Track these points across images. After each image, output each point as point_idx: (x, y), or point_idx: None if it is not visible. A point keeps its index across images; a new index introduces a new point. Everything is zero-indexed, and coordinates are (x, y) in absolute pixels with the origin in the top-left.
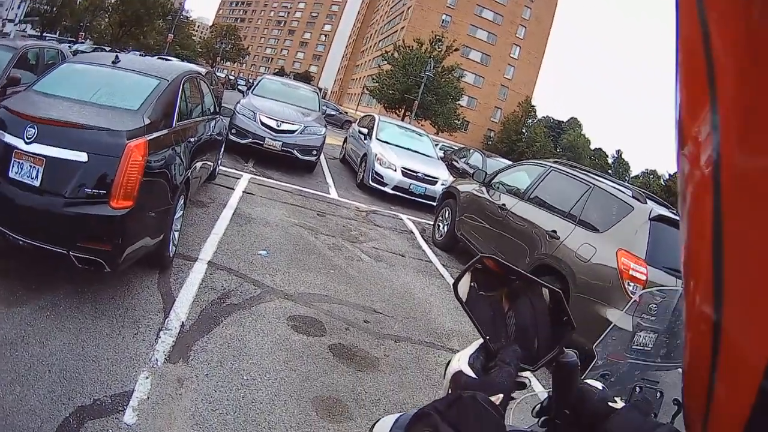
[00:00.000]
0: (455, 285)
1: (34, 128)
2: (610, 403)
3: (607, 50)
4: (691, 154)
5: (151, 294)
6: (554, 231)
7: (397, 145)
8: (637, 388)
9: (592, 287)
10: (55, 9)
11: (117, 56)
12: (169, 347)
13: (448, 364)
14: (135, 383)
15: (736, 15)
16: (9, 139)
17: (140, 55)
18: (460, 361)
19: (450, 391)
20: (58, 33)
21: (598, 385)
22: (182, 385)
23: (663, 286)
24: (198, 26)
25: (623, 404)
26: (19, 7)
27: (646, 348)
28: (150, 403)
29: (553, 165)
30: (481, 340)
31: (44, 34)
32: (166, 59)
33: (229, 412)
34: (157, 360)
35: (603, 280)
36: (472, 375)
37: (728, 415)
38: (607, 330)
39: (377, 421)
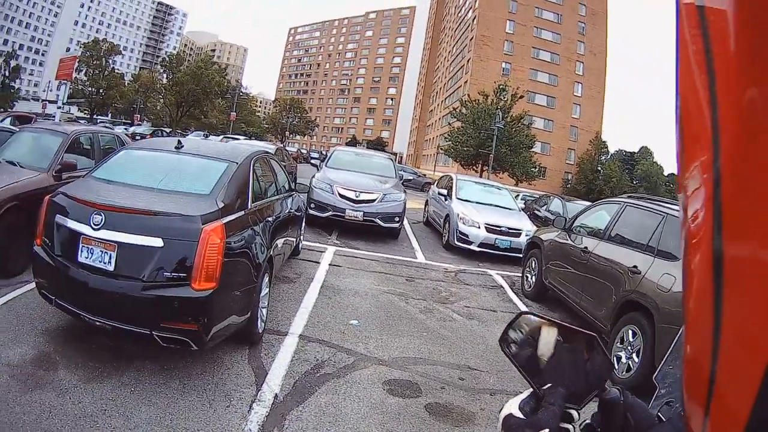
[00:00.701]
0: (501, 341)
1: (100, 215)
2: (658, 414)
3: (662, 71)
4: (691, 156)
5: (242, 369)
6: (635, 266)
7: (477, 202)
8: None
9: (676, 316)
10: (102, 91)
11: (179, 141)
12: (262, 418)
13: (500, 410)
14: None
15: (739, 30)
16: (73, 225)
17: (204, 136)
18: (511, 406)
19: None
20: (110, 115)
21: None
22: None
23: None
24: (260, 102)
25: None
26: (58, 88)
27: None
28: None
29: (627, 200)
30: (529, 390)
31: (95, 116)
32: (233, 138)
33: None
34: (250, 430)
35: None
36: (521, 416)
37: (728, 415)
38: (665, 357)
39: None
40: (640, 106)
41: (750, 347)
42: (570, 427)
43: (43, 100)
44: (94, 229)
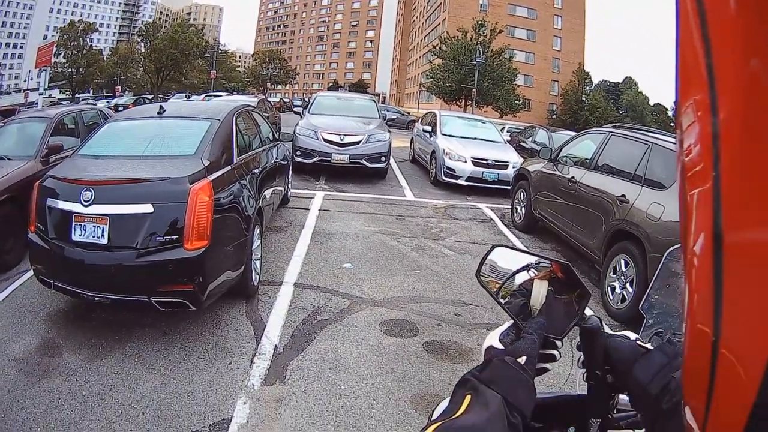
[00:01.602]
0: (477, 274)
1: (90, 191)
2: (640, 344)
3: (646, 2)
4: (691, 152)
5: (241, 324)
6: (623, 195)
7: (462, 137)
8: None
9: (666, 245)
10: (81, 69)
11: (161, 106)
12: (264, 371)
13: (483, 342)
14: (233, 410)
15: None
16: (64, 205)
17: (186, 97)
18: (492, 338)
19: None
20: (91, 91)
21: (631, 335)
22: (281, 405)
23: None
24: (239, 57)
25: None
26: (38, 76)
27: None
28: (250, 426)
29: (612, 130)
30: (510, 321)
31: (77, 95)
32: (215, 95)
33: (330, 423)
34: (253, 385)
35: (675, 236)
36: (500, 347)
37: (728, 415)
38: (650, 286)
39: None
40: (623, 37)
41: (750, 344)
42: (555, 353)
43: (24, 90)
44: (84, 206)
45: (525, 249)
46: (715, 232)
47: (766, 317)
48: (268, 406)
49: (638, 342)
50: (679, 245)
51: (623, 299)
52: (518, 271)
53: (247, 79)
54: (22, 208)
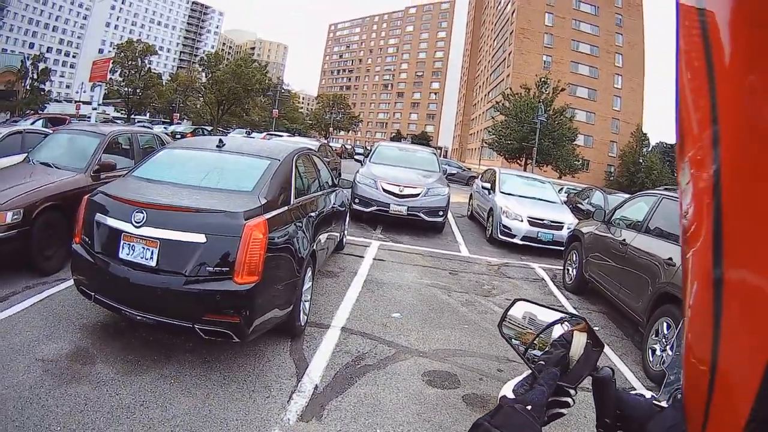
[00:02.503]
0: (499, 325)
1: (142, 213)
2: (656, 403)
3: None
4: (693, 168)
5: (283, 361)
6: (670, 258)
7: (520, 196)
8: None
9: None
10: (138, 91)
11: (221, 140)
12: (302, 407)
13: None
14: None
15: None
16: (114, 223)
17: (246, 133)
18: (506, 388)
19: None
20: (148, 115)
21: (647, 393)
22: None
23: None
24: (302, 98)
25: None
26: (92, 89)
27: None
28: None
29: (663, 192)
30: (528, 372)
31: (132, 116)
32: (276, 135)
33: None
34: (289, 419)
35: None
36: (512, 396)
37: (728, 414)
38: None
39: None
40: None
41: (750, 347)
42: (569, 400)
43: (76, 102)
44: (135, 227)
45: (545, 305)
46: (715, 277)
47: (764, 320)
48: None
49: (653, 400)
50: None
51: (663, 362)
52: (553, 324)
53: (310, 122)
54: (67, 218)
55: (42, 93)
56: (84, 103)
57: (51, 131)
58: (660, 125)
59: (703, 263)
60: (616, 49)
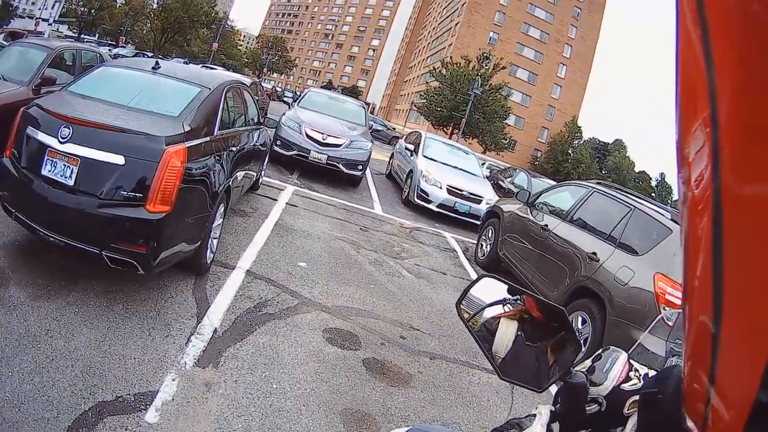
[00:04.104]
0: (457, 304)
1: (69, 128)
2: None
3: (652, 71)
4: (691, 168)
5: (186, 299)
6: (594, 253)
7: (443, 163)
8: None
9: (628, 311)
10: (93, 11)
11: (157, 62)
12: (199, 351)
13: (527, 417)
14: (161, 384)
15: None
16: (42, 137)
17: (184, 62)
18: (542, 428)
19: None
20: (97, 36)
21: None
22: (209, 390)
23: None
24: (244, 37)
25: None
26: (53, 7)
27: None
28: (174, 405)
29: (596, 186)
30: (547, 414)
31: (82, 35)
32: (211, 68)
33: (255, 419)
34: (185, 363)
35: (639, 304)
36: None
37: (727, 416)
38: (631, 350)
39: None
40: (621, 101)
41: (751, 344)
42: (534, 412)
43: (36, 18)
44: (60, 143)
45: (514, 285)
46: (715, 277)
47: (765, 316)
48: (196, 389)
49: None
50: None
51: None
52: (492, 305)
53: (246, 60)
54: (2, 131)
55: (10, 9)
56: (43, 20)
57: (7, 44)
58: (596, 122)
59: (702, 262)
60: (567, 39)
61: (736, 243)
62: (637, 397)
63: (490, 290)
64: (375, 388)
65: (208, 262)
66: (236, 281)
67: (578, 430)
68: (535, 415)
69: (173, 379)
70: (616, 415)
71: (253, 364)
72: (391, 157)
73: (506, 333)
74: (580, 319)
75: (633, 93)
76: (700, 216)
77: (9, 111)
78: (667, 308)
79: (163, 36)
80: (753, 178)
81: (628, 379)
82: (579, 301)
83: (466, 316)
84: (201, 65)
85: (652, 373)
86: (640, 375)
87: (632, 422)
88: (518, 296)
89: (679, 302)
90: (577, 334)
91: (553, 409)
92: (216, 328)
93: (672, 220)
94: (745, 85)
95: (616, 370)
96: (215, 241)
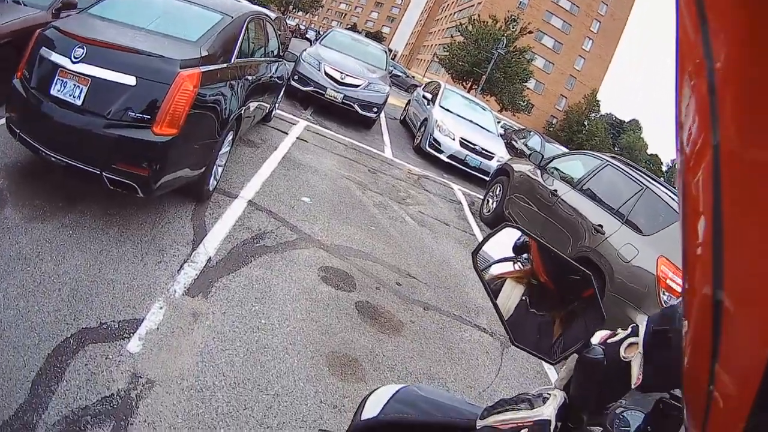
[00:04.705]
0: (474, 254)
1: (82, 48)
2: None
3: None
4: (689, 148)
5: (183, 225)
6: (600, 225)
7: (458, 115)
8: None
9: (627, 289)
10: None
11: None
12: (190, 280)
13: (535, 396)
14: (147, 312)
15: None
16: (55, 57)
17: None
18: (554, 410)
19: None
20: None
21: None
22: (196, 320)
23: None
24: None
25: None
26: None
27: None
28: (158, 334)
29: (610, 159)
30: (561, 399)
31: None
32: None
33: (239, 354)
34: (175, 291)
35: (640, 284)
36: None
37: (728, 415)
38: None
39: (373, 391)
40: (643, 83)
41: (750, 346)
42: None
43: None
44: (73, 62)
45: (539, 238)
46: (715, 276)
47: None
48: (183, 318)
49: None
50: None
51: None
52: (500, 261)
53: None
54: (20, 55)
55: None
56: None
57: None
58: (615, 99)
59: (702, 261)
60: (597, 15)
61: (736, 208)
62: (632, 340)
63: (506, 243)
64: (365, 333)
65: (211, 189)
66: (237, 211)
67: (587, 418)
68: (542, 395)
69: (160, 308)
70: (615, 364)
71: (244, 297)
72: (408, 103)
73: (510, 295)
74: None
75: (656, 77)
76: (698, 181)
77: (28, 34)
78: (666, 293)
79: None
80: (753, 171)
81: (612, 336)
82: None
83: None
84: None
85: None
86: (618, 330)
87: (637, 363)
88: (528, 256)
89: (679, 289)
90: (601, 303)
91: (566, 396)
92: (210, 257)
93: None
94: (742, 42)
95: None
96: (220, 169)
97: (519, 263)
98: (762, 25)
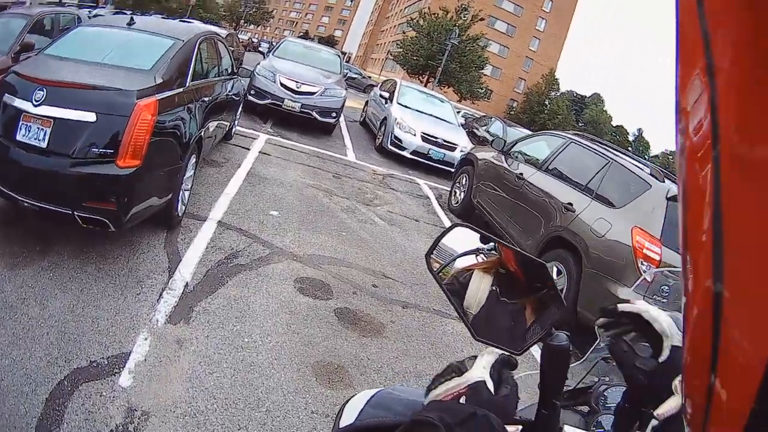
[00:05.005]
0: (427, 255)
1: (42, 90)
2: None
3: (634, 26)
4: (689, 138)
5: (157, 254)
6: (570, 204)
7: (417, 110)
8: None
9: (604, 263)
10: None
11: (132, 18)
12: (171, 308)
13: (468, 360)
14: (133, 344)
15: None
16: (18, 103)
17: (162, 18)
18: (485, 369)
19: (465, 399)
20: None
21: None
22: (181, 347)
23: (676, 266)
24: None
25: None
26: None
27: None
28: (147, 365)
29: (573, 137)
30: (494, 355)
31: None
32: (188, 22)
33: (227, 376)
34: (157, 321)
35: (616, 257)
36: (492, 391)
37: (728, 414)
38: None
39: (350, 399)
40: (601, 56)
41: (750, 346)
42: (513, 373)
43: None
44: (34, 106)
45: (490, 235)
46: (715, 276)
47: (757, 348)
48: (168, 347)
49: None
50: (661, 269)
51: None
52: (465, 254)
53: (223, 13)
54: None
55: None
56: None
57: None
58: (574, 76)
59: (702, 261)
60: None
61: (736, 207)
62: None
63: (464, 240)
64: (347, 339)
65: (180, 214)
66: (207, 233)
67: (559, 403)
68: (472, 359)
69: (145, 339)
70: (656, 392)
71: (225, 318)
72: (366, 104)
73: (479, 287)
74: (555, 269)
75: (613, 49)
76: (699, 166)
77: None
78: (644, 263)
79: None
80: (753, 170)
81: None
82: (554, 251)
83: (436, 267)
84: (179, 20)
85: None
86: None
87: (677, 400)
88: (493, 246)
89: (656, 257)
90: (559, 292)
91: (504, 354)
92: (187, 282)
93: (651, 175)
94: (746, 43)
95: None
96: (187, 193)
97: (482, 255)
98: (764, 25)
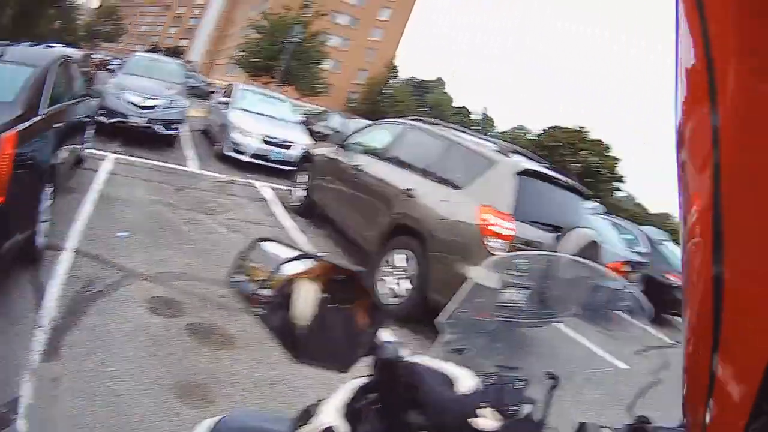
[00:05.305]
0: (230, 277)
1: None
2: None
3: (475, 7)
4: (690, 154)
5: (25, 290)
6: (409, 189)
7: (255, 113)
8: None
9: (450, 245)
10: None
11: (3, 51)
12: (43, 346)
13: (318, 403)
14: (20, 388)
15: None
16: None
17: (31, 45)
18: (337, 412)
19: None
20: None
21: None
22: (58, 385)
23: (533, 241)
24: (85, 11)
25: None
26: None
27: (517, 305)
28: (35, 408)
29: (410, 123)
30: (352, 386)
31: None
32: (52, 46)
33: (103, 408)
34: (34, 360)
35: (463, 237)
36: None
37: (729, 413)
38: (457, 300)
39: (196, 425)
40: (442, 41)
41: (750, 346)
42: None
43: None
44: None
45: (297, 247)
46: (715, 275)
47: (765, 318)
48: (46, 385)
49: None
50: (494, 258)
51: (395, 295)
52: (291, 260)
53: (83, 33)
54: None
55: None
56: None
57: None
58: (417, 62)
59: (702, 261)
60: None
61: (737, 238)
62: None
63: (267, 250)
64: (202, 355)
65: (41, 247)
66: (66, 262)
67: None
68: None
69: (27, 381)
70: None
71: (90, 349)
72: (209, 112)
73: (307, 297)
74: (399, 257)
75: (453, 33)
76: (698, 175)
77: None
78: (492, 239)
79: (13, 23)
80: (753, 169)
81: None
82: (399, 238)
83: (253, 285)
84: (45, 46)
85: None
86: None
87: None
88: (314, 256)
89: (508, 233)
90: (379, 299)
91: (366, 382)
92: (53, 317)
93: (498, 152)
94: (744, 45)
95: None
96: (47, 224)
97: (312, 259)
98: (760, 26)
